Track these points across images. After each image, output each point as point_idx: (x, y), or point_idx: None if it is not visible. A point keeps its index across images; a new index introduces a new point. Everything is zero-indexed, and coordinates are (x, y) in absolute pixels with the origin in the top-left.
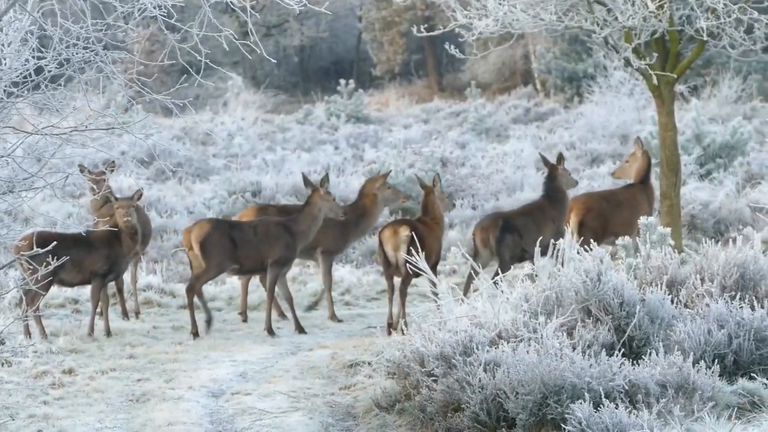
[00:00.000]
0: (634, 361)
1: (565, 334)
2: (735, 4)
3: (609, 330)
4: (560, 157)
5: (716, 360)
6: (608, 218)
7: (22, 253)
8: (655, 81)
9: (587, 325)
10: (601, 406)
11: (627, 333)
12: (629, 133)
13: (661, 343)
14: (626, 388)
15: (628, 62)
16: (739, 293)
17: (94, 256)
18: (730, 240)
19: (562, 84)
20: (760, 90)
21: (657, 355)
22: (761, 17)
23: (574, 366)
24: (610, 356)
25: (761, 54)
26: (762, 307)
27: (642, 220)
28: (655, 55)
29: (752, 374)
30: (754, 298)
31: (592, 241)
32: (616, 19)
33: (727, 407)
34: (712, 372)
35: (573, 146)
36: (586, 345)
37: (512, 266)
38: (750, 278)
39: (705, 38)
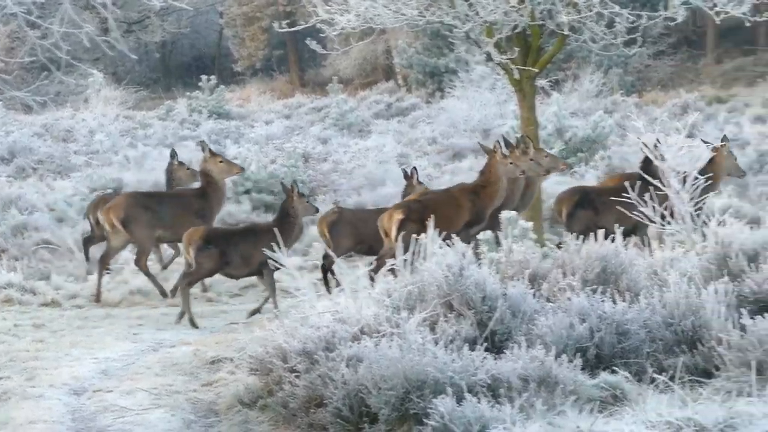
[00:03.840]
0: (497, 356)
1: (427, 328)
2: None
3: (471, 324)
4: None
5: (578, 353)
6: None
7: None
8: (516, 75)
9: (450, 320)
10: (464, 400)
11: (489, 327)
12: (491, 128)
13: (523, 337)
14: (489, 382)
15: (489, 57)
16: (601, 287)
17: (260, 250)
18: (592, 234)
19: (423, 79)
20: (620, 84)
21: (519, 349)
22: (622, 11)
23: (437, 361)
24: (473, 350)
25: (622, 48)
26: (623, 301)
27: (504, 214)
28: (517, 49)
29: (614, 368)
30: (615, 291)
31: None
32: (478, 14)
33: (590, 401)
34: (574, 366)
35: (435, 141)
36: (448, 339)
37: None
38: (611, 272)
39: (566, 32)
